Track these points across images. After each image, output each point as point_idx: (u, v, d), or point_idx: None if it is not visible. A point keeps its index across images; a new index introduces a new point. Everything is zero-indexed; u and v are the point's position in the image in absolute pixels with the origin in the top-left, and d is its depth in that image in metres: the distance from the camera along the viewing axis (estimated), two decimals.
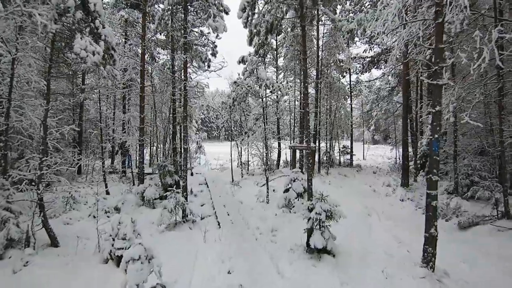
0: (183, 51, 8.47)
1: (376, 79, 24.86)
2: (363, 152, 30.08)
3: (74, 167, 13.71)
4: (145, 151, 21.90)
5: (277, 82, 10.39)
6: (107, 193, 12.41)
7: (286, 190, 10.25)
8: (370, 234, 7.64)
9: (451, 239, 7.37)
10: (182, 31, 8.47)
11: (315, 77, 18.75)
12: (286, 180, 10.81)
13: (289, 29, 20.29)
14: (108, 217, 9.74)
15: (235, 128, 24.56)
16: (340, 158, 22.33)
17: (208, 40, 10.95)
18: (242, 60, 10.71)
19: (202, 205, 11.25)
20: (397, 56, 8.84)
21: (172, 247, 7.02)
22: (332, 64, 20.18)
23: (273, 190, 12.60)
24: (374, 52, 22.14)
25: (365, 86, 27.01)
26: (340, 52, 20.52)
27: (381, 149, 41.68)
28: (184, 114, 8.99)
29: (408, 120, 13.09)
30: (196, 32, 10.32)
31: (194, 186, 15.23)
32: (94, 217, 9.54)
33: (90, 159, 16.30)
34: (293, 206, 9.73)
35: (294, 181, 10.21)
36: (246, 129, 17.22)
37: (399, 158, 25.26)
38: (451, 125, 10.89)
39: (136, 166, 12.60)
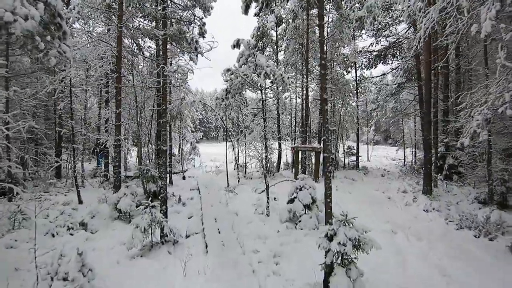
0: (161, 26, 6.66)
1: (383, 74, 23.06)
2: (368, 153, 28.35)
3: (48, 171, 11.99)
4: (134, 152, 20.21)
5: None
6: (80, 202, 10.55)
7: (291, 201, 8.46)
8: (402, 263, 5.87)
9: (508, 269, 5.63)
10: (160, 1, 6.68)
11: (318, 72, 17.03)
12: (289, 187, 9.02)
13: (290, 20, 18.56)
14: (71, 235, 7.94)
15: (232, 127, 22.77)
16: (345, 159, 20.66)
17: (195, 16, 8.98)
18: (237, 44, 8.88)
19: (189, 217, 9.46)
20: (419, 40, 7.19)
21: (140, 283, 5.23)
22: (336, 58, 18.47)
23: (274, 198, 10.83)
24: (382, 45, 20.47)
25: (371, 82, 25.28)
26: (346, 45, 18.82)
27: (383, 149, 40.00)
28: (163, 107, 7.16)
29: (431, 117, 11.35)
30: (180, 5, 8.39)
31: (185, 192, 13.43)
32: (53, 235, 7.76)
33: (65, 161, 14.43)
34: (300, 221, 7.95)
35: (300, 189, 8.39)
36: (243, 127, 15.44)
37: (406, 159, 23.75)
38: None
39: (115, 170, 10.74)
